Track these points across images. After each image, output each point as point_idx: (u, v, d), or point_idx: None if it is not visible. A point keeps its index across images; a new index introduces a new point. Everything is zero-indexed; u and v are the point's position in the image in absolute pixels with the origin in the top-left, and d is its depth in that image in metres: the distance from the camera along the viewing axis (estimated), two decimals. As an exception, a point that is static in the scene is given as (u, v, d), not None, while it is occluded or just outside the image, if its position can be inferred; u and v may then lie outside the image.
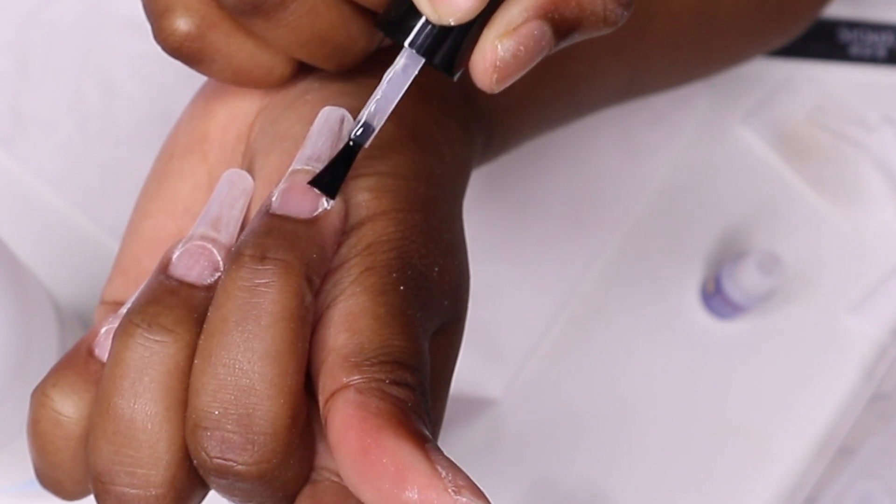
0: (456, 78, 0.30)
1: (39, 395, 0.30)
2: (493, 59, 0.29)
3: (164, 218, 0.34)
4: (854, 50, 0.63)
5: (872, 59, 0.63)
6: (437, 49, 0.29)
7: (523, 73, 0.29)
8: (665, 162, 0.60)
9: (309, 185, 0.29)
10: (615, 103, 0.46)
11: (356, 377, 0.28)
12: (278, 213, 0.29)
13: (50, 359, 0.42)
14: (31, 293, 0.43)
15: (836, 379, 0.59)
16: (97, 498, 0.29)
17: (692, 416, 0.58)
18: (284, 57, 0.33)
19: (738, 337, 0.59)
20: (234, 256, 0.28)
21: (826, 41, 0.63)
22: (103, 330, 0.31)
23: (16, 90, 0.56)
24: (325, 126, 0.31)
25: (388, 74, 0.30)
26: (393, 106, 0.30)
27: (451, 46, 0.29)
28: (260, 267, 0.28)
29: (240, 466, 0.27)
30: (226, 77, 0.33)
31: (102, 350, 0.31)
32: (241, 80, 0.33)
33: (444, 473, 0.26)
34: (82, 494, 0.31)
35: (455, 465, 0.26)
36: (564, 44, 0.30)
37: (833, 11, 0.63)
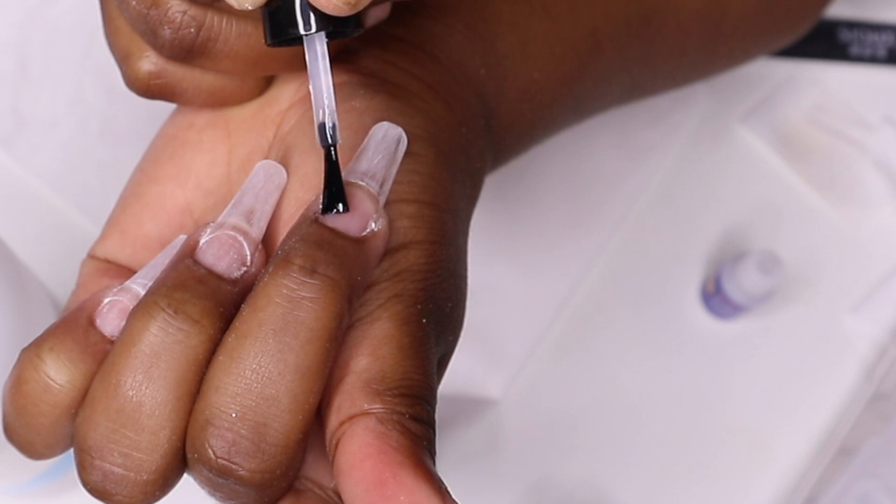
0: (363, 27, 0.29)
1: (32, 357, 0.29)
2: None
3: (174, 187, 0.33)
4: (854, 50, 0.63)
5: (872, 59, 0.63)
6: (325, 19, 0.28)
7: None
8: (665, 162, 0.60)
9: (330, 209, 0.29)
10: (615, 107, 0.46)
11: (377, 406, 0.28)
12: (328, 225, 0.28)
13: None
14: (31, 293, 0.43)
15: (836, 379, 0.59)
16: (80, 469, 0.29)
17: (692, 416, 0.58)
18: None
19: (738, 337, 0.59)
20: (282, 262, 0.28)
21: (826, 41, 0.63)
22: (106, 300, 0.30)
23: (16, 90, 0.56)
24: (383, 143, 0.31)
25: (313, 70, 0.29)
26: (333, 94, 0.29)
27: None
28: (308, 280, 0.27)
29: (243, 472, 0.27)
30: (203, 102, 0.33)
31: (105, 322, 0.30)
32: (218, 101, 0.33)
33: None
34: (49, 457, 0.31)
35: None
36: None
37: (833, 11, 0.63)
